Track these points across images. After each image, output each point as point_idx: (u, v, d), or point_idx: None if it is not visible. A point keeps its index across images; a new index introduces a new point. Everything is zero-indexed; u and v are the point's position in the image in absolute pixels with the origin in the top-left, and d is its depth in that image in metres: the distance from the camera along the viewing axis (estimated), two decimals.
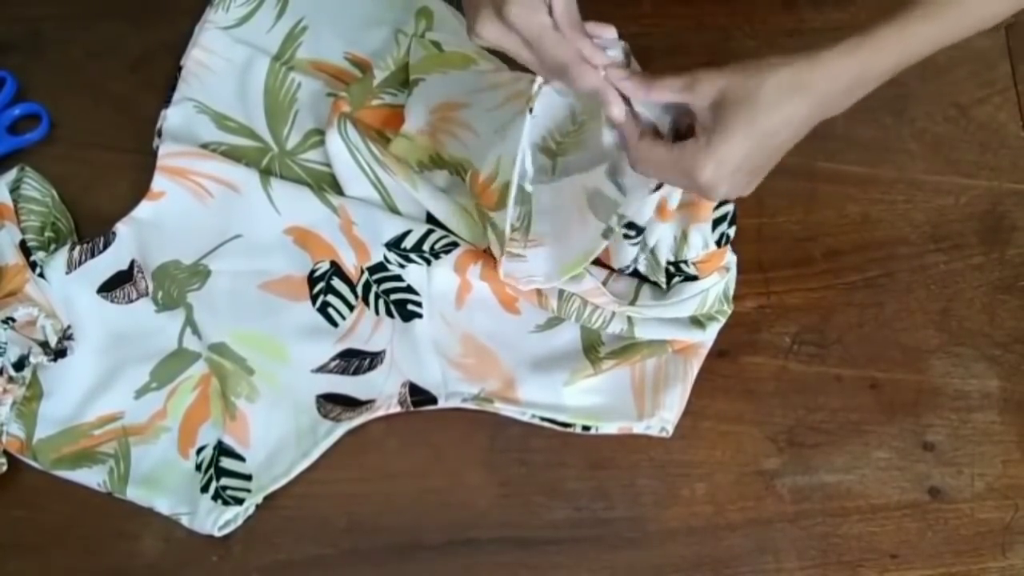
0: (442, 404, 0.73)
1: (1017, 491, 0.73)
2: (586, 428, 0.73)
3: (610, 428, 0.73)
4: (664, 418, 0.72)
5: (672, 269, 0.71)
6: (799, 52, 0.56)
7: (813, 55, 0.56)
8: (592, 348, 0.74)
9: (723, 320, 0.73)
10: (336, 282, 0.76)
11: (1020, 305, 0.77)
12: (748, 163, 0.58)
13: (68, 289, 0.76)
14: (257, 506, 0.72)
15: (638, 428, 0.72)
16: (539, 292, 0.74)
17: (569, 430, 0.73)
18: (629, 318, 0.72)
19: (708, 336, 0.73)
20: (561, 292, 0.73)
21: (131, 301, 0.76)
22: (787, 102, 0.56)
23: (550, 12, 0.58)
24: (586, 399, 0.73)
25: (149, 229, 0.78)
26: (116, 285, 0.76)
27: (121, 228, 0.77)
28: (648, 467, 0.73)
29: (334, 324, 0.76)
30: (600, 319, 0.73)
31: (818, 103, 0.57)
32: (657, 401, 0.72)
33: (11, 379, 0.72)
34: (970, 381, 0.75)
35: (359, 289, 0.76)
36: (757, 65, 0.56)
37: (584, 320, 0.73)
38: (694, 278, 0.71)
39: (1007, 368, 0.76)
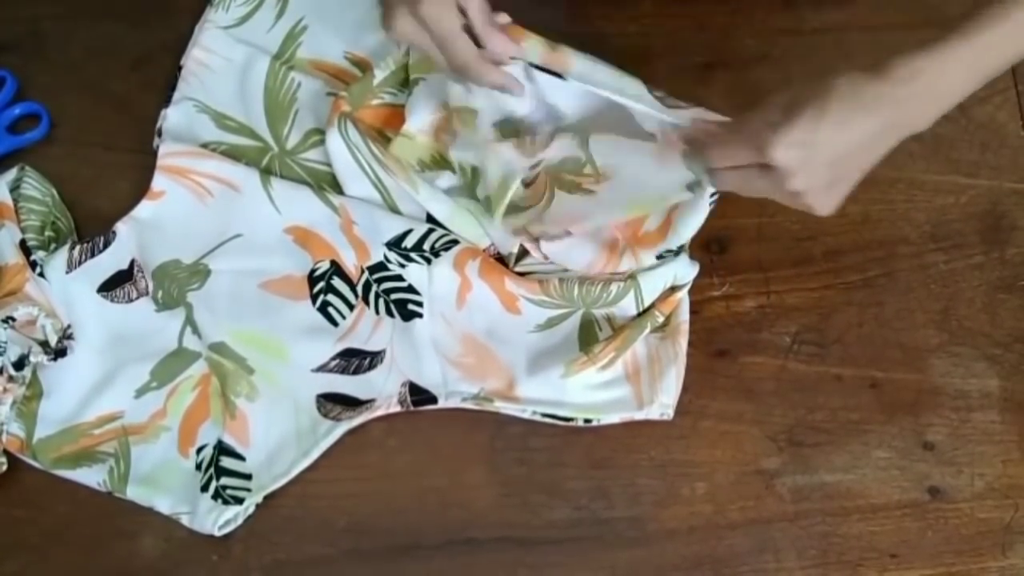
0: (442, 404, 0.73)
1: (1017, 491, 0.73)
2: (587, 421, 0.73)
3: (611, 419, 0.73)
4: (664, 403, 0.73)
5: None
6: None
7: (883, 62, 0.57)
8: (588, 345, 0.74)
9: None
10: (336, 281, 0.76)
11: (1020, 305, 0.77)
12: (822, 150, 0.57)
13: (68, 288, 0.76)
14: (257, 506, 0.72)
15: (639, 416, 0.73)
16: (541, 281, 0.74)
17: (571, 424, 0.73)
18: (633, 282, 0.73)
19: (690, 271, 0.75)
20: (561, 279, 0.74)
21: (131, 300, 0.76)
22: (857, 97, 0.57)
23: (463, 14, 0.62)
24: (585, 395, 0.73)
25: (149, 228, 0.78)
26: (116, 284, 0.76)
27: (121, 228, 0.77)
28: (648, 467, 0.73)
29: (334, 323, 0.76)
30: (604, 295, 0.73)
31: (890, 110, 0.57)
32: (654, 388, 0.73)
33: (11, 378, 0.72)
34: (970, 381, 0.75)
35: (359, 288, 0.76)
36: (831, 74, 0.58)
37: (588, 300, 0.74)
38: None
39: (1007, 368, 0.76)
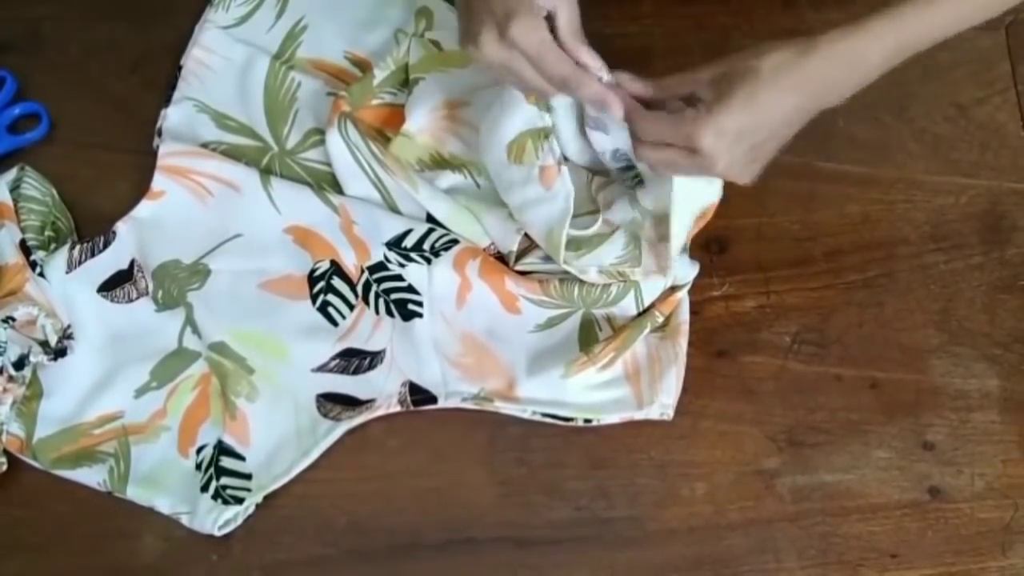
0: (442, 404, 0.73)
1: (1017, 491, 0.73)
2: (587, 421, 0.73)
3: (611, 419, 0.73)
4: (664, 403, 0.73)
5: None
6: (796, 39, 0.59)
7: (809, 40, 0.58)
8: (588, 345, 0.74)
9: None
10: (336, 281, 0.76)
11: (1020, 305, 0.77)
12: (748, 136, 0.59)
13: (68, 288, 0.76)
14: (257, 505, 0.72)
15: (639, 416, 0.73)
16: (541, 281, 0.74)
17: (571, 424, 0.73)
18: (633, 282, 0.73)
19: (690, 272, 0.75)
20: (562, 280, 0.74)
21: (131, 300, 0.76)
22: (785, 80, 0.58)
23: (550, 29, 0.61)
24: (585, 395, 0.73)
25: (149, 228, 0.78)
26: (116, 284, 0.76)
27: (121, 227, 0.77)
28: (648, 467, 0.73)
29: (334, 323, 0.76)
30: (604, 295, 0.73)
31: (815, 88, 0.59)
32: (654, 388, 0.73)
33: (11, 378, 0.72)
34: (970, 381, 0.75)
35: (359, 288, 0.76)
36: (757, 48, 0.59)
37: (589, 300, 0.74)
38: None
39: (1007, 368, 0.76)
